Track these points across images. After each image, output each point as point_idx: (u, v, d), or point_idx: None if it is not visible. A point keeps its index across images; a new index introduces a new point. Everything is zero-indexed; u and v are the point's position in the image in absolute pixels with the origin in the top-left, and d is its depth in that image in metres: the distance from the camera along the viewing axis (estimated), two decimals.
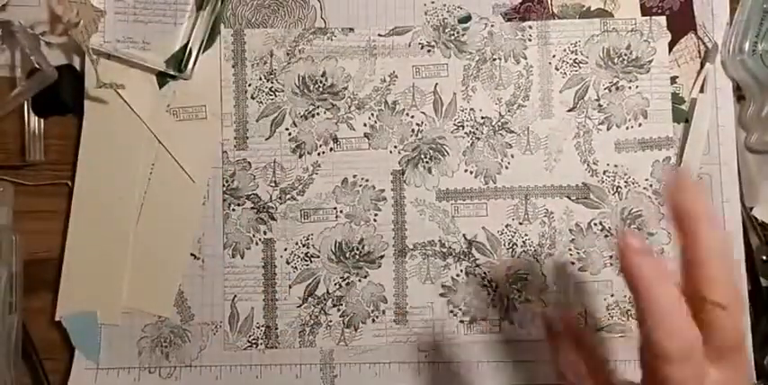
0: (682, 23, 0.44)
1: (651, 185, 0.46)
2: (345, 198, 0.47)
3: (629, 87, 0.46)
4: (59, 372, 0.43)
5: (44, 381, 0.42)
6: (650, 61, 0.46)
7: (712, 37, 0.43)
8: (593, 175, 0.46)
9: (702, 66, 0.43)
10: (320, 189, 0.47)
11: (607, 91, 0.46)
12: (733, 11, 0.44)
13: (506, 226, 0.46)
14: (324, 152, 0.47)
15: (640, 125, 0.46)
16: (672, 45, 0.44)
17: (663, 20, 0.45)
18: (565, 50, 0.47)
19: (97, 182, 0.43)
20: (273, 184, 0.47)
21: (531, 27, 0.46)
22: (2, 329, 0.40)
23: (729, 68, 0.44)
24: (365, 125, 0.47)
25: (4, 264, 0.40)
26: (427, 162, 0.47)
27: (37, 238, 0.43)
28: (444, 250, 0.46)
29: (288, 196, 0.47)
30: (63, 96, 0.42)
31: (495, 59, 0.47)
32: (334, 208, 0.47)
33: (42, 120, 0.43)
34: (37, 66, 0.39)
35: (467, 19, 0.44)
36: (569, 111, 0.47)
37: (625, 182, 0.46)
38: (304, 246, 0.46)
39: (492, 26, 0.46)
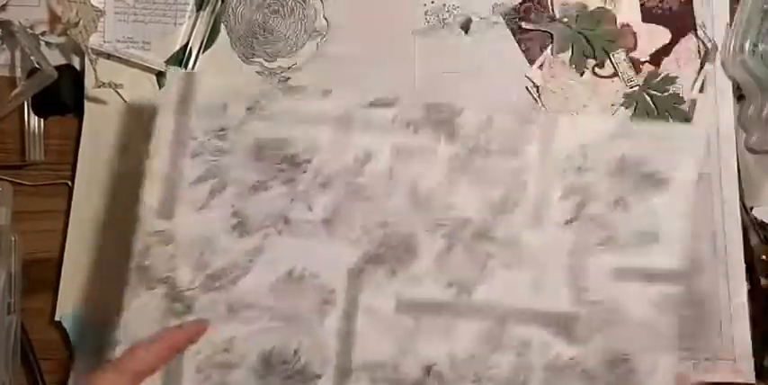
0: (682, 23, 0.44)
1: (649, 326, 0.38)
2: (287, 295, 0.38)
3: (640, 205, 0.39)
4: (58, 373, 0.43)
5: (39, 383, 0.42)
6: (671, 179, 0.39)
7: (712, 37, 0.43)
8: (581, 305, 0.39)
9: (702, 66, 0.43)
10: (258, 280, 0.38)
11: (613, 206, 0.39)
12: (733, 11, 0.44)
13: (474, 354, 0.38)
14: (270, 235, 0.39)
15: (647, 253, 0.39)
16: (672, 45, 0.44)
17: (703, 131, 0.38)
18: (571, 152, 0.39)
19: (97, 182, 0.43)
20: (199, 268, 0.38)
21: (536, 119, 0.39)
22: (0, 329, 0.40)
23: (729, 68, 0.44)
24: (326, 208, 0.39)
25: (2, 265, 0.41)
26: (392, 262, 0.39)
27: (36, 238, 0.43)
28: (395, 377, 0.38)
29: (215, 285, 0.38)
30: (63, 96, 0.42)
31: (488, 152, 0.40)
32: (270, 307, 0.38)
33: (42, 120, 0.43)
34: (37, 66, 0.39)
35: (467, 23, 0.44)
36: (566, 224, 0.39)
37: (617, 317, 0.38)
38: (224, 350, 0.37)
39: (492, 113, 0.39)
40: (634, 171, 0.39)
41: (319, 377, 0.37)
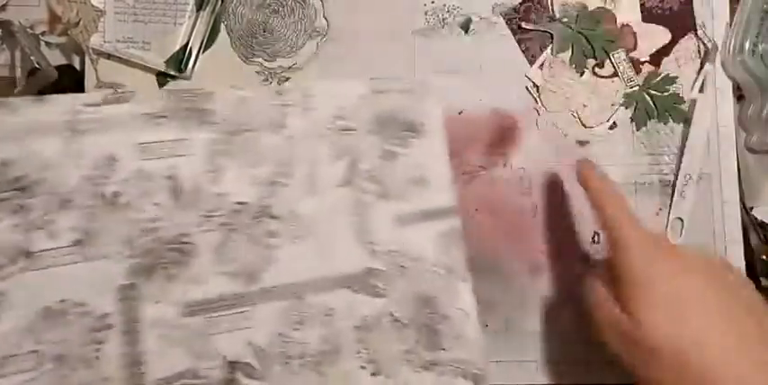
0: (682, 23, 0.44)
1: (440, 261, 0.40)
2: (50, 335, 0.34)
3: (404, 154, 0.41)
4: None
5: None
6: (422, 124, 0.41)
7: (712, 37, 0.43)
8: (375, 258, 0.40)
9: (702, 66, 0.43)
10: (8, 328, 0.34)
11: (380, 159, 0.40)
12: (733, 11, 0.44)
13: (278, 335, 0.38)
14: (11, 274, 0.34)
15: (420, 195, 0.41)
16: (672, 45, 0.44)
17: (433, 79, 0.41)
18: (330, 116, 0.40)
19: None
20: None
21: (290, 91, 0.39)
22: None
23: (729, 68, 0.44)
24: (74, 229, 0.35)
25: None
26: (167, 268, 0.36)
27: None
28: (198, 382, 0.36)
29: None
30: None
31: (248, 130, 0.38)
32: (34, 351, 0.34)
33: None
34: (37, 66, 0.39)
35: (467, 23, 0.44)
36: (340, 186, 0.40)
37: (411, 260, 0.40)
38: None
39: (243, 90, 0.38)
40: (392, 123, 0.41)
41: None
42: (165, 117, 0.38)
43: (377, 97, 0.41)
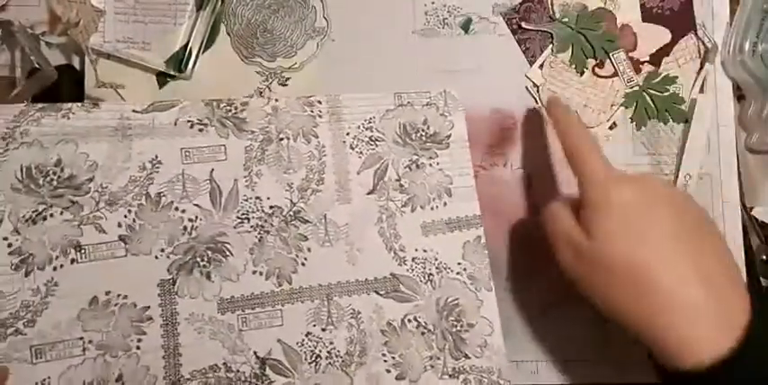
0: (682, 23, 0.44)
1: (465, 269, 0.42)
2: (95, 323, 0.37)
3: (431, 164, 0.43)
4: None
5: None
6: (449, 136, 0.43)
7: (712, 37, 0.43)
8: (402, 264, 0.42)
9: (702, 66, 0.44)
10: (58, 315, 0.36)
11: (408, 169, 0.43)
12: (733, 11, 0.44)
13: (307, 334, 0.39)
14: (62, 265, 0.37)
15: (446, 204, 0.43)
16: (672, 45, 0.44)
17: (456, 93, 0.43)
18: (359, 127, 0.42)
19: None
20: None
21: (320, 102, 0.42)
22: None
23: (729, 68, 0.44)
24: (120, 225, 0.38)
25: None
26: (205, 266, 0.39)
27: None
28: (231, 375, 0.38)
29: (10, 330, 0.36)
30: (63, 96, 0.42)
31: (281, 139, 0.41)
32: (80, 338, 0.37)
33: None
34: (37, 66, 0.40)
35: (467, 23, 0.44)
36: (369, 193, 0.42)
37: (437, 268, 0.42)
38: None
39: (276, 101, 0.41)
40: (418, 135, 0.43)
41: None
42: (205, 124, 0.40)
43: (404, 109, 0.43)
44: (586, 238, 0.34)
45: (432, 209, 0.43)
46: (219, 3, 0.42)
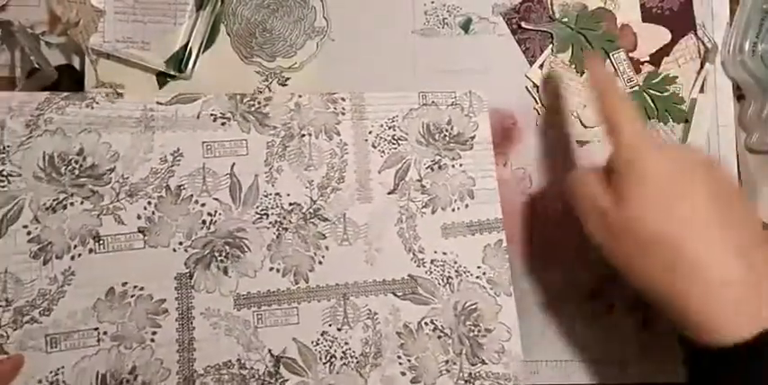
0: (682, 23, 0.44)
1: (485, 273, 0.42)
2: (111, 314, 0.37)
3: (453, 165, 0.43)
4: None
5: None
6: (473, 137, 0.43)
7: (712, 37, 0.44)
8: (420, 266, 0.41)
9: (702, 66, 0.44)
10: (75, 305, 0.36)
11: (430, 170, 0.42)
12: (733, 11, 0.44)
13: (322, 333, 0.39)
14: (80, 255, 0.37)
15: (467, 206, 0.42)
16: (672, 45, 0.44)
17: (483, 94, 0.43)
18: (382, 126, 0.42)
19: None
20: (4, 303, 0.36)
21: (344, 99, 0.42)
22: None
23: (729, 68, 0.44)
24: (139, 217, 0.38)
25: None
26: (222, 260, 0.39)
27: None
28: (244, 372, 0.38)
29: (26, 318, 0.36)
30: None
31: (303, 135, 0.41)
32: (96, 328, 0.37)
33: None
34: (37, 66, 0.39)
35: (467, 23, 0.44)
36: (390, 193, 0.42)
37: (456, 271, 0.41)
38: (51, 384, 0.35)
39: (299, 97, 0.41)
40: (441, 135, 0.42)
41: None
42: (228, 118, 0.40)
43: (428, 109, 0.43)
44: (615, 204, 0.33)
45: (453, 210, 0.42)
46: (219, 3, 0.42)
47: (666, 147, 0.35)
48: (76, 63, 0.43)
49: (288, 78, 0.44)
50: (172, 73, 0.42)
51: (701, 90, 0.44)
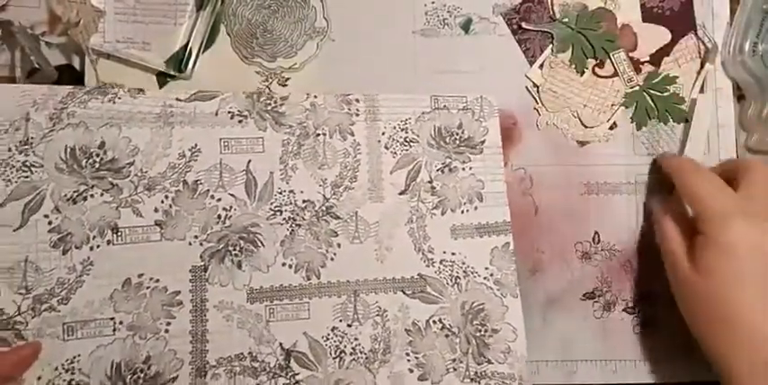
0: (682, 23, 0.44)
1: (492, 275, 0.43)
2: (127, 305, 0.38)
3: (463, 168, 0.44)
4: None
5: None
6: (483, 141, 0.44)
7: (712, 37, 0.43)
8: (429, 265, 0.42)
9: (702, 66, 0.44)
10: (92, 295, 0.37)
11: (440, 172, 0.43)
12: (733, 11, 0.44)
13: (333, 329, 0.40)
14: (99, 246, 0.38)
15: (476, 209, 0.43)
16: (672, 45, 0.44)
17: (493, 99, 0.44)
18: (395, 128, 0.43)
19: None
20: (23, 291, 0.37)
21: (358, 100, 0.43)
22: None
23: (729, 68, 0.44)
24: (157, 210, 0.39)
25: None
26: (236, 255, 0.40)
27: None
28: (256, 365, 0.39)
29: (44, 306, 0.37)
30: None
31: (318, 135, 0.42)
32: (112, 318, 0.37)
33: None
34: (37, 66, 0.40)
35: (467, 23, 0.44)
36: (401, 194, 0.43)
37: (464, 272, 0.42)
38: (67, 371, 0.36)
39: (315, 97, 0.42)
40: (452, 139, 0.43)
41: (174, 380, 0.37)
42: (245, 116, 0.41)
43: (440, 113, 0.44)
44: (697, 272, 0.36)
45: (462, 213, 0.43)
46: (219, 3, 0.43)
47: (752, 216, 0.36)
48: (76, 63, 0.43)
49: (288, 79, 0.44)
50: (172, 73, 0.43)
51: (702, 90, 0.44)
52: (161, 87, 0.43)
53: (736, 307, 0.35)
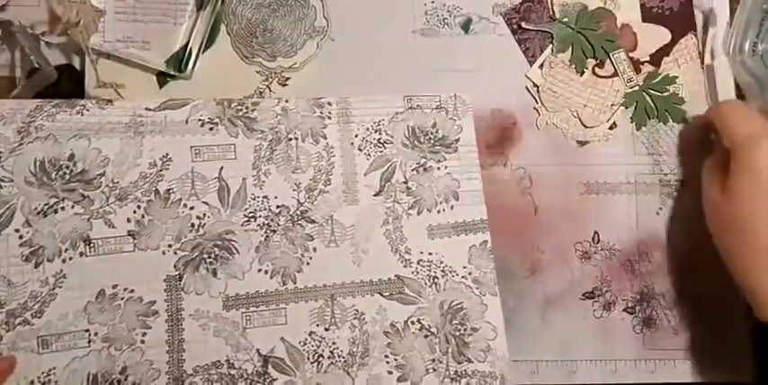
0: (682, 23, 0.44)
1: (470, 273, 0.43)
2: (102, 316, 0.38)
3: (438, 168, 0.44)
4: None
5: None
6: (457, 140, 0.44)
7: (710, 4, 0.44)
8: (407, 266, 0.42)
9: (706, 33, 0.45)
10: (66, 307, 0.37)
11: (415, 172, 0.43)
12: (733, 11, 0.44)
13: (310, 333, 0.40)
14: (71, 258, 0.38)
15: (453, 208, 0.43)
16: (672, 45, 0.44)
17: (467, 97, 0.44)
18: (368, 129, 0.43)
19: None
20: None
21: (330, 104, 0.43)
22: None
23: (729, 68, 0.43)
24: (129, 221, 0.39)
25: None
26: (211, 262, 0.40)
27: None
28: (233, 372, 0.39)
29: (18, 320, 0.37)
30: (63, 96, 0.42)
31: (290, 139, 0.42)
32: (86, 330, 0.37)
33: None
34: (37, 66, 0.40)
35: (467, 23, 0.44)
36: (376, 195, 0.43)
37: (442, 271, 0.42)
38: (43, 384, 0.36)
39: (286, 101, 0.42)
40: (426, 138, 0.43)
41: None
42: (216, 123, 0.41)
43: (413, 112, 0.44)
44: (727, 199, 0.37)
45: (438, 212, 0.43)
46: (219, 2, 0.43)
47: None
48: (76, 63, 0.43)
49: (288, 78, 0.44)
50: (172, 73, 0.43)
51: (712, 56, 0.44)
52: (161, 87, 0.43)
53: (762, 227, 0.35)
